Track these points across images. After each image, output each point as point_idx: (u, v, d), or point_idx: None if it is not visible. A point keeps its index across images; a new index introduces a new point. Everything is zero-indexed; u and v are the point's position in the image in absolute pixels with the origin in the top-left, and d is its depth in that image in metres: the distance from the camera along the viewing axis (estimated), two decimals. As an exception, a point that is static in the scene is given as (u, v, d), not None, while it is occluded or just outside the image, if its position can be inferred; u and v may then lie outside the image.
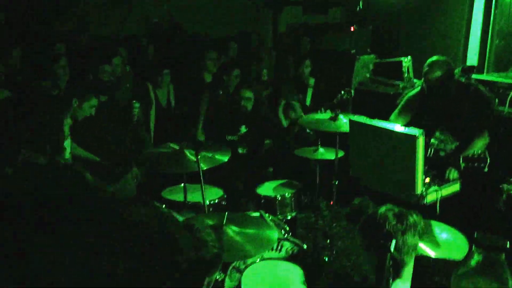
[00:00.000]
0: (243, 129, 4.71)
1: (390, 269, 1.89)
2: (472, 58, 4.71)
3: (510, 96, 3.37)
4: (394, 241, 1.70)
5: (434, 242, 2.62)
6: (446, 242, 2.66)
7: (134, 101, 4.41)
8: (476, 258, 0.76)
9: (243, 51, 6.31)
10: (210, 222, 2.19)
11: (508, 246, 0.73)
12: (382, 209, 1.99)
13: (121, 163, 4.01)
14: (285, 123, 5.23)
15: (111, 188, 3.74)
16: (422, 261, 1.76)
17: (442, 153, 3.66)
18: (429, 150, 3.69)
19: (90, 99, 3.69)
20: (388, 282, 1.90)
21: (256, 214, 3.50)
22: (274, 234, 2.32)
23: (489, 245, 0.74)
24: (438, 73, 3.48)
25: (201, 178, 2.81)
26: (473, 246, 0.76)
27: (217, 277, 2.63)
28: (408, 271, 1.93)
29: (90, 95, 3.70)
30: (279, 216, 3.87)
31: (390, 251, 1.69)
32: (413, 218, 1.99)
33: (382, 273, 1.85)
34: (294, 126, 5.16)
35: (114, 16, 7.15)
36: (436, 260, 2.34)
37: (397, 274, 1.98)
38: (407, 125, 3.60)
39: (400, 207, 2.00)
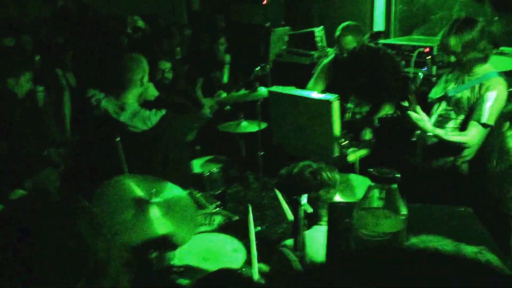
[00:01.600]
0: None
1: (304, 221, 2.00)
2: (379, 24, 4.95)
3: (413, 58, 3.59)
4: (305, 196, 1.82)
5: (352, 194, 2.79)
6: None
7: (37, 85, 4.17)
8: (373, 192, 0.84)
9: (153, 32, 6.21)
10: (139, 194, 2.15)
11: (398, 176, 0.81)
12: (300, 165, 2.11)
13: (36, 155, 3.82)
14: (203, 101, 5.22)
15: (30, 183, 3.57)
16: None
17: (358, 116, 3.87)
18: (346, 114, 3.88)
19: None
20: (301, 232, 2.01)
21: (185, 192, 3.51)
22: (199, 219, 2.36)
23: (382, 178, 0.82)
24: (349, 37, 3.66)
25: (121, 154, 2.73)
26: (369, 181, 0.84)
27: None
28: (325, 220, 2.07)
29: None
30: (209, 192, 3.91)
31: (301, 205, 1.80)
32: (327, 174, 2.13)
33: (296, 224, 1.96)
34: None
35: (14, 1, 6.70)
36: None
37: (313, 224, 2.13)
38: (323, 92, 3.75)
39: (318, 164, 2.12)
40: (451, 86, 2.87)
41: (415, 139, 3.00)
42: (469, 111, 2.76)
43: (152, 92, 3.07)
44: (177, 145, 3.13)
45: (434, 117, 2.90)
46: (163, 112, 2.93)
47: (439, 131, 2.74)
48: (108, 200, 2.06)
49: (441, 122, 2.87)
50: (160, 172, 2.93)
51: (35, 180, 3.66)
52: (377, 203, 0.82)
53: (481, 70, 2.76)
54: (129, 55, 3.16)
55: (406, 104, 2.69)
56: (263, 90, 3.77)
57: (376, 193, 0.83)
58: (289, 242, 2.15)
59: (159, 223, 2.05)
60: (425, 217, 0.98)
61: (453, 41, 2.70)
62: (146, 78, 2.95)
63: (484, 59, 2.74)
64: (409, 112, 2.68)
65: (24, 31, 5.13)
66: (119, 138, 2.63)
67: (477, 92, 2.73)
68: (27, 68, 3.59)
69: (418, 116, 2.69)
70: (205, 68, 5.29)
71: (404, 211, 0.82)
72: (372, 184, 0.84)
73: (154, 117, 2.89)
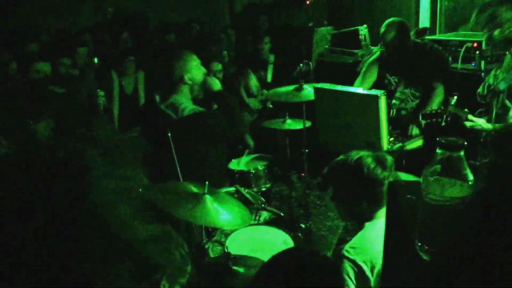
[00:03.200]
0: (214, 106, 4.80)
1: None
2: (424, 21, 4.90)
3: (461, 53, 3.55)
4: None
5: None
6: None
7: (99, 90, 4.38)
8: (439, 159, 0.87)
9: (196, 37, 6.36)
10: (194, 189, 2.26)
11: (465, 143, 0.84)
12: (354, 154, 2.03)
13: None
14: (247, 100, 5.31)
15: None
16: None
17: (403, 112, 3.85)
18: (391, 111, 3.86)
19: None
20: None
21: (232, 189, 3.59)
22: (247, 213, 2.41)
23: (449, 145, 0.85)
24: (393, 33, 3.65)
25: (174, 155, 2.84)
26: (436, 149, 0.87)
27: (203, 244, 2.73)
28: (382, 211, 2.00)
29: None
30: (254, 189, 3.97)
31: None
32: (390, 159, 2.03)
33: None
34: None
35: (66, 9, 7.02)
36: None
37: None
38: (370, 89, 3.76)
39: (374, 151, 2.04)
40: (500, 78, 2.85)
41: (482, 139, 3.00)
42: None
43: (214, 85, 3.13)
44: (214, 142, 3.17)
45: (493, 113, 2.89)
46: (200, 109, 3.01)
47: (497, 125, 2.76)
48: (168, 195, 2.18)
49: (502, 116, 2.86)
50: (198, 166, 3.02)
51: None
52: (443, 170, 0.85)
53: None
54: (172, 53, 3.27)
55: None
56: (308, 90, 3.79)
57: (441, 159, 0.86)
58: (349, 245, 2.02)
59: (214, 212, 2.13)
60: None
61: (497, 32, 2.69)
62: (189, 75, 3.02)
63: None
64: (465, 123, 2.73)
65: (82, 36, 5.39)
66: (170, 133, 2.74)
67: None
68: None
69: (473, 123, 2.73)
70: (250, 68, 5.38)
71: (470, 177, 0.85)
72: (439, 151, 0.87)
73: (187, 111, 2.96)
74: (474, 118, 2.83)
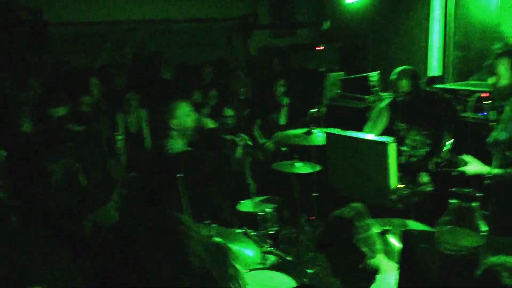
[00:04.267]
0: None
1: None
2: (434, 70, 4.96)
3: (471, 102, 3.58)
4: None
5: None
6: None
7: (115, 134, 4.48)
8: (452, 210, 0.88)
9: (219, 75, 6.49)
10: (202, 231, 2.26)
11: (480, 195, 0.85)
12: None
13: (103, 191, 4.04)
14: (261, 141, 5.36)
15: (93, 216, 3.76)
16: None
17: (413, 159, 3.85)
18: (401, 157, 3.87)
19: None
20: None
21: (240, 231, 3.57)
22: (257, 253, 2.41)
23: (463, 195, 0.86)
24: (405, 81, 3.70)
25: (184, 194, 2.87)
26: (449, 200, 0.88)
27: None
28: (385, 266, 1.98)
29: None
30: (262, 232, 3.94)
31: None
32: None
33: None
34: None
35: (86, 48, 7.23)
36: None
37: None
38: (380, 135, 3.79)
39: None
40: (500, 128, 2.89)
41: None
42: None
43: (206, 123, 3.35)
44: (204, 179, 3.32)
45: (494, 163, 2.90)
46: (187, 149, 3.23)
47: (496, 170, 2.77)
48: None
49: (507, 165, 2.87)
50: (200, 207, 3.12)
51: (97, 214, 3.86)
52: (456, 221, 0.86)
53: None
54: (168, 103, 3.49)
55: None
56: (318, 135, 3.82)
57: (454, 210, 0.87)
58: None
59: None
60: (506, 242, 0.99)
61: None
62: (176, 121, 3.21)
63: None
64: (462, 170, 2.75)
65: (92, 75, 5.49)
66: (180, 174, 2.78)
67: None
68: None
69: (472, 168, 2.75)
70: (264, 109, 5.46)
71: (483, 227, 0.85)
72: (453, 201, 0.88)
73: (174, 150, 3.20)
74: (472, 162, 2.85)
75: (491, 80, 2.88)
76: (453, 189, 0.83)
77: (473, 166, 2.90)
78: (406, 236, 1.10)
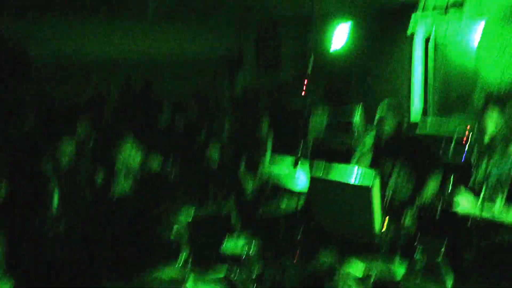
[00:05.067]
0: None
1: None
2: (417, 105, 5.06)
3: (451, 149, 3.65)
4: None
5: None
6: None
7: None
8: (418, 264, 0.87)
9: (201, 113, 6.49)
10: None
11: (444, 250, 0.83)
12: None
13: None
14: (247, 182, 5.33)
15: None
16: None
17: (398, 200, 3.86)
18: (387, 194, 3.87)
19: None
20: None
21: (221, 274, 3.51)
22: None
23: (428, 250, 0.84)
24: (389, 117, 3.74)
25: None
26: (415, 254, 0.86)
27: None
28: None
29: None
30: (244, 275, 3.86)
31: None
32: None
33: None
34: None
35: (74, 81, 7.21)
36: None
37: None
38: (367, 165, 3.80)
39: None
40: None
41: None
42: None
43: None
44: None
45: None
46: None
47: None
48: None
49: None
50: None
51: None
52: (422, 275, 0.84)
53: None
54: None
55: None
56: (302, 180, 3.77)
57: (420, 264, 0.85)
58: None
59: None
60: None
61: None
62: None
63: None
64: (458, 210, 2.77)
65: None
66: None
67: None
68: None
69: (465, 205, 2.76)
70: (248, 150, 5.46)
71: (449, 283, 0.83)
72: (417, 256, 0.86)
73: None
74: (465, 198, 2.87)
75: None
76: (418, 243, 0.81)
77: (464, 204, 2.91)
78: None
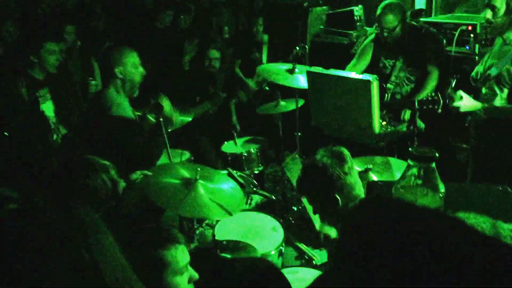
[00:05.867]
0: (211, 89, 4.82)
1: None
2: (420, 2, 4.83)
3: (456, 36, 3.51)
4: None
5: (391, 176, 2.78)
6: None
7: (90, 78, 4.32)
8: (411, 171, 0.87)
9: (199, 12, 6.23)
10: (185, 174, 2.27)
11: (437, 155, 0.83)
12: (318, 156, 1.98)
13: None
14: (246, 80, 5.27)
15: None
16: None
17: (398, 96, 3.83)
18: (386, 95, 3.84)
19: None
20: None
21: (224, 172, 3.59)
22: (241, 194, 2.42)
23: (421, 156, 0.84)
24: (391, 16, 3.60)
25: (166, 140, 2.84)
26: (408, 160, 0.86)
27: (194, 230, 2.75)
28: None
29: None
30: (247, 172, 3.97)
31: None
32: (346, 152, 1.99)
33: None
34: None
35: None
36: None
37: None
38: (363, 72, 3.73)
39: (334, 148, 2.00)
40: (490, 63, 2.87)
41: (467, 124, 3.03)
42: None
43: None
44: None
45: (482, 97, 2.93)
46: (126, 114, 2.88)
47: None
48: (159, 181, 2.20)
49: (488, 100, 2.86)
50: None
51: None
52: (415, 182, 0.85)
53: None
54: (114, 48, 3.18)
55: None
56: (300, 77, 3.71)
57: (414, 171, 0.86)
58: None
59: (205, 198, 2.15)
60: (462, 195, 1.00)
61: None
62: (121, 69, 2.85)
63: None
64: (454, 105, 2.74)
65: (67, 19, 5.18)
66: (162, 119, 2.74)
67: None
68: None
69: (465, 103, 2.75)
70: (245, 48, 5.34)
71: (442, 188, 0.84)
72: (411, 162, 0.86)
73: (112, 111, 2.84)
74: (464, 96, 2.84)
75: (486, 14, 2.81)
76: (411, 150, 0.81)
77: (467, 101, 2.89)
78: (370, 187, 1.11)
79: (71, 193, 1.89)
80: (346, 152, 1.95)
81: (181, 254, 1.47)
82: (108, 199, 1.95)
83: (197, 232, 2.75)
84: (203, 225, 2.85)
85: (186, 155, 3.83)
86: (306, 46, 4.48)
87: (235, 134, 4.39)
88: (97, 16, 5.45)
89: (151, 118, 2.91)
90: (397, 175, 2.95)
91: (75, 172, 1.95)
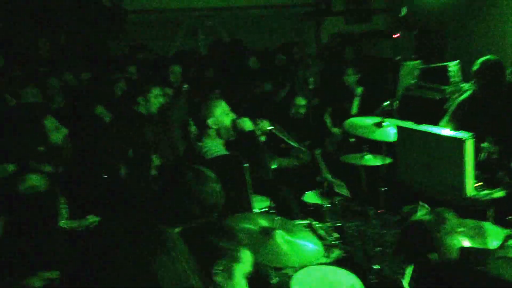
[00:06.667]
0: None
1: None
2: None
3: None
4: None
5: (483, 243, 2.57)
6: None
7: (190, 119, 4.54)
8: (510, 242, 0.80)
9: (287, 61, 6.42)
10: (263, 223, 2.27)
11: None
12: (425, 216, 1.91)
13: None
14: (333, 130, 5.27)
15: None
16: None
17: (494, 156, 3.60)
18: (481, 154, 3.63)
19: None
20: None
21: (305, 222, 3.55)
22: (320, 247, 2.38)
23: None
24: (488, 71, 3.46)
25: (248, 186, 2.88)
26: (509, 231, 0.80)
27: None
28: None
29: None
30: (328, 224, 3.88)
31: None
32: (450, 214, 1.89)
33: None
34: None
35: (162, 34, 7.43)
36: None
37: None
38: (457, 130, 3.57)
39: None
40: None
41: None
42: None
43: (245, 125, 3.15)
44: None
45: None
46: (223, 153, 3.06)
47: None
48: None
49: None
50: None
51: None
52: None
53: None
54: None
55: None
56: (388, 130, 3.65)
57: None
58: None
59: (282, 248, 2.14)
60: None
61: None
62: (213, 120, 3.07)
63: None
64: None
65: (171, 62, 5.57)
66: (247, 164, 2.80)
67: None
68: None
69: None
70: (335, 98, 5.37)
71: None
72: (510, 232, 0.80)
73: (208, 154, 3.02)
74: None
75: None
76: (510, 218, 0.74)
77: None
78: (464, 253, 1.03)
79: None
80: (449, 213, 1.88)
81: None
82: (213, 209, 2.04)
83: (274, 281, 2.71)
84: (280, 274, 2.80)
85: (266, 202, 3.85)
86: (396, 101, 4.41)
87: (325, 184, 4.35)
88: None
89: None
90: (491, 242, 2.73)
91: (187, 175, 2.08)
